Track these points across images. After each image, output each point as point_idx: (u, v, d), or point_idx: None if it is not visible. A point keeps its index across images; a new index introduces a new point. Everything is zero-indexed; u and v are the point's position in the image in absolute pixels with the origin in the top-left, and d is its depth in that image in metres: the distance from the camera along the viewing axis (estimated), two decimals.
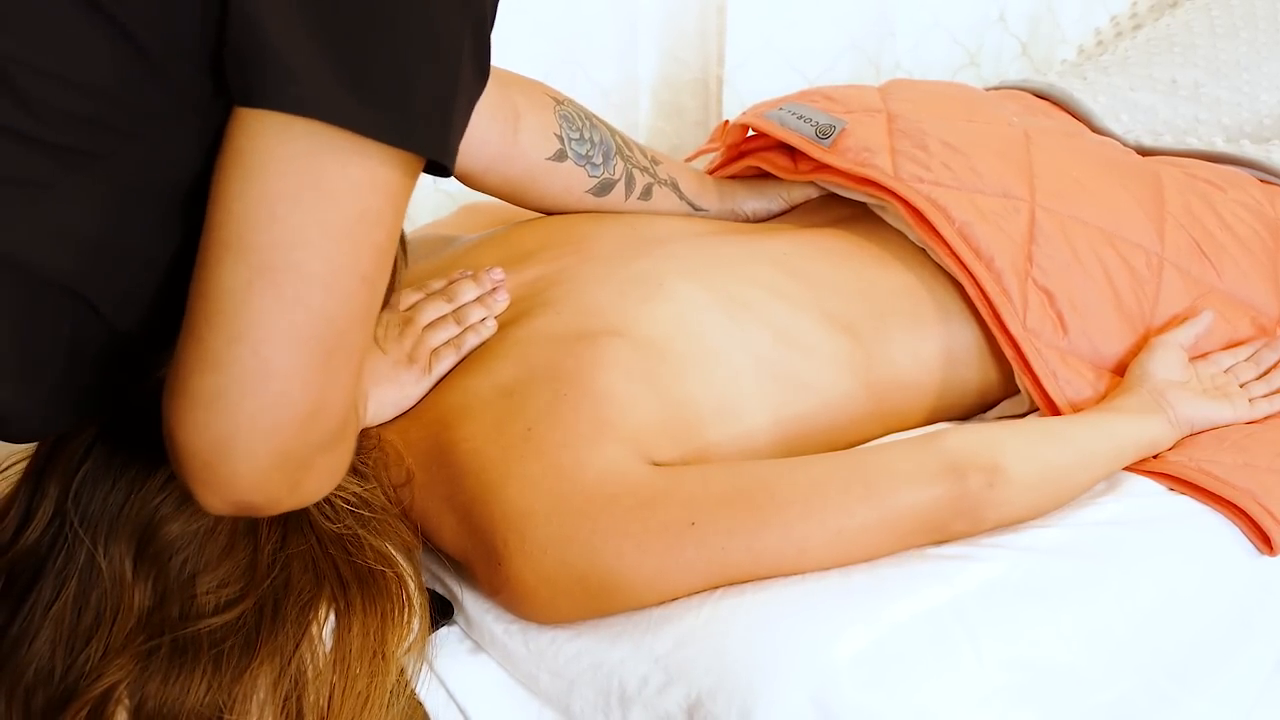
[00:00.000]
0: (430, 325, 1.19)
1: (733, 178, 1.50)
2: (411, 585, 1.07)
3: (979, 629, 1.03)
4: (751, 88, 2.07)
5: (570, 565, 1.01)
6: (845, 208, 1.40)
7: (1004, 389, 1.34)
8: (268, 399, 0.76)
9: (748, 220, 1.46)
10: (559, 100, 1.35)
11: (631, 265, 1.25)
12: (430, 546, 1.11)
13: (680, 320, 1.18)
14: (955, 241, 1.30)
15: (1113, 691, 1.09)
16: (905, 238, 1.35)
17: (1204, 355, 1.36)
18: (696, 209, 1.43)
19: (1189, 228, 1.41)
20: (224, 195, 0.75)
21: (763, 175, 1.49)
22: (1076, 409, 1.27)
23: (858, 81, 2.15)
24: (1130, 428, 1.22)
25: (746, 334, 1.20)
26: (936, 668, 1.02)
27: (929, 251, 1.33)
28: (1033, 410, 1.32)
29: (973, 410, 1.35)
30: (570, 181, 1.35)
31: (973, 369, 1.32)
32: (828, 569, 1.04)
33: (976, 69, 2.30)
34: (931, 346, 1.30)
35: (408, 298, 1.23)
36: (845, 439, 1.22)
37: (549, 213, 1.38)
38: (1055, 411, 1.27)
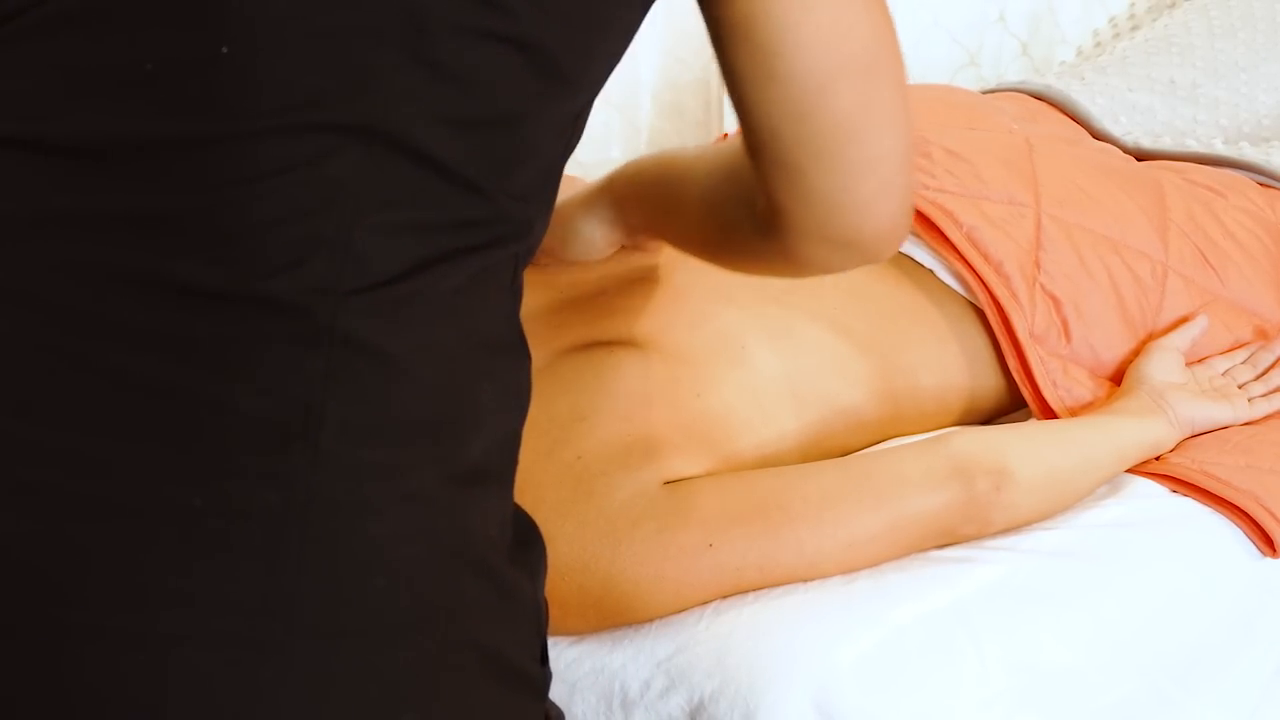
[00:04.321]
0: None
1: None
2: None
3: (982, 632, 1.03)
4: None
5: (587, 590, 1.02)
6: None
7: (1013, 399, 1.33)
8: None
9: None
10: None
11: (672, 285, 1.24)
12: None
13: (715, 337, 1.18)
14: (964, 245, 1.29)
15: (1115, 694, 1.09)
16: (911, 260, 1.33)
17: (1202, 360, 1.36)
18: None
19: (1192, 235, 1.41)
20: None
21: None
22: (1073, 415, 1.27)
23: None
24: (1132, 429, 1.22)
25: (772, 349, 1.20)
26: (939, 671, 1.02)
27: (936, 262, 1.32)
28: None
29: (986, 420, 1.34)
30: None
31: (983, 378, 1.31)
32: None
33: (976, 69, 2.30)
34: (946, 356, 1.29)
35: None
36: (864, 445, 1.22)
37: None
38: (1053, 418, 1.27)
